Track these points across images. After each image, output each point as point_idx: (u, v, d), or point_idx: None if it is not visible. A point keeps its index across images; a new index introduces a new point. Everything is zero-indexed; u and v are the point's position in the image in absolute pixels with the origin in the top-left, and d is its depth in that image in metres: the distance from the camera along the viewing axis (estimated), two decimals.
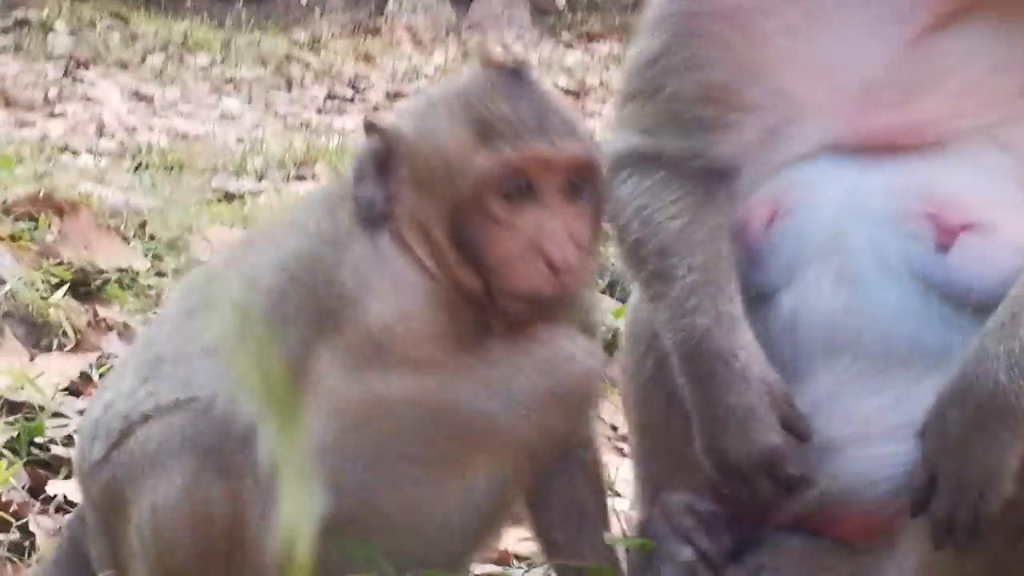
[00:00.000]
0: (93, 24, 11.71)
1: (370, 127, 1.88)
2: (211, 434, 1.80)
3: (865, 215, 1.92)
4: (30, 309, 3.04)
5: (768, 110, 1.98)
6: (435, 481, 1.84)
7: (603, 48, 13.99)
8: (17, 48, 10.25)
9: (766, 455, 1.92)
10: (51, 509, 2.49)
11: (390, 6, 13.76)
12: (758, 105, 1.98)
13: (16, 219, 3.77)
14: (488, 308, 1.85)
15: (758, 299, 1.98)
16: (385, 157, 1.85)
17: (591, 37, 14.43)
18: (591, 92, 10.53)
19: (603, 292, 3.50)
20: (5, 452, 2.59)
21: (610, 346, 3.22)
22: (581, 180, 1.84)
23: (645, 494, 2.17)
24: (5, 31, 10.94)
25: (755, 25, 1.99)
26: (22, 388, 2.81)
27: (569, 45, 14.03)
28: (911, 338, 1.90)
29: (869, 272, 1.91)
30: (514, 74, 1.87)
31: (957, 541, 1.86)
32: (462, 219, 1.80)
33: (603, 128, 8.26)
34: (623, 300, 3.40)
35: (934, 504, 1.87)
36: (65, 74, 9.35)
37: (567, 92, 10.26)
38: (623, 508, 2.42)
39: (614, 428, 2.96)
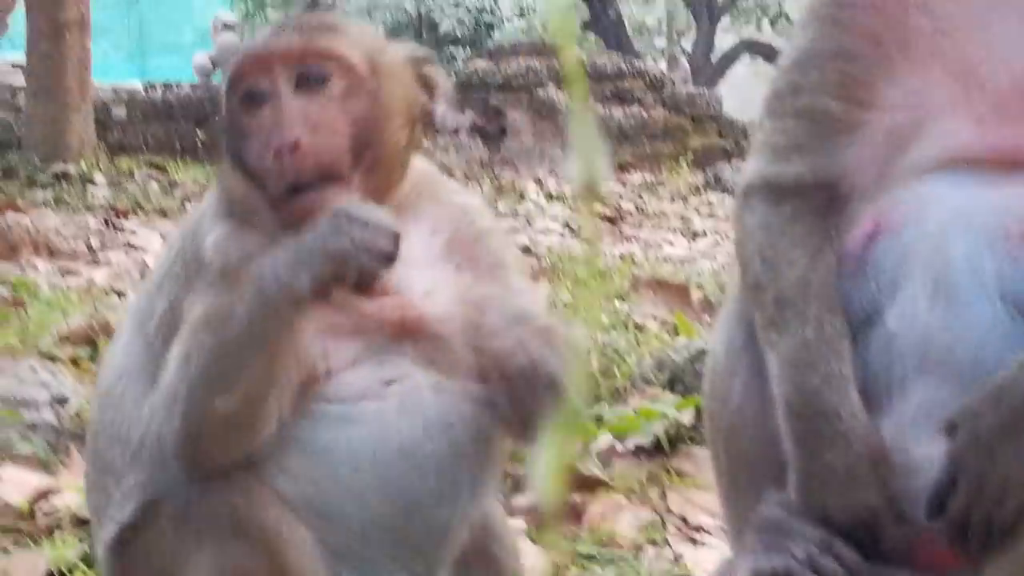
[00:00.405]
0: (131, 174, 11.91)
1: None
2: None
3: (968, 231, 1.88)
4: None
5: (900, 111, 1.95)
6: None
7: (635, 178, 14.12)
8: (58, 201, 10.39)
9: (866, 516, 1.88)
10: None
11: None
12: (892, 105, 1.95)
13: (75, 345, 3.82)
14: (284, 221, 1.82)
15: (858, 317, 1.93)
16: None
17: (623, 167, 14.57)
18: (627, 217, 10.57)
19: (664, 387, 3.45)
20: (79, 564, 2.56)
21: (673, 440, 3.18)
22: (312, 70, 1.83)
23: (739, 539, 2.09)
24: (45, 185, 11.11)
25: (905, 17, 1.97)
26: None
27: None
28: (999, 359, 1.85)
29: (965, 290, 1.87)
30: (307, 3, 1.95)
31: (969, 545, 1.80)
32: (231, 137, 1.85)
33: (642, 249, 8.35)
34: (684, 394, 3.35)
35: (950, 503, 1.81)
36: (106, 224, 9.44)
37: (604, 218, 10.30)
38: None
39: (684, 519, 2.89)
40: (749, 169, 2.05)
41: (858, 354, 1.91)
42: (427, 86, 1.93)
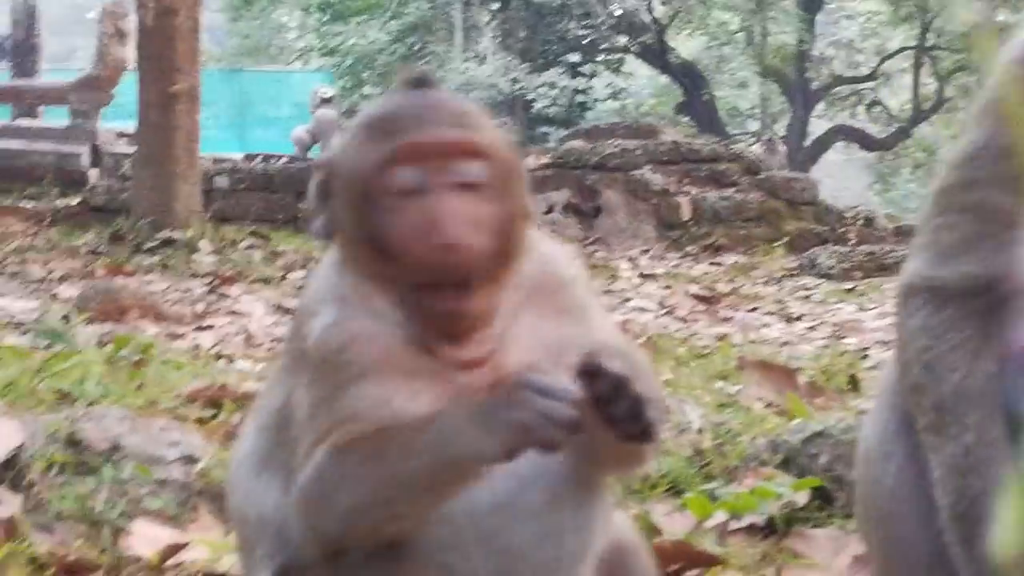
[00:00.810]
0: (235, 243, 12.14)
1: (316, 165, 1.98)
2: None
3: None
4: (222, 486, 3.10)
5: None
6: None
7: (729, 259, 14.12)
8: (164, 266, 10.62)
9: None
10: None
11: None
12: None
13: (198, 405, 3.94)
14: (414, 312, 1.84)
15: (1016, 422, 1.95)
16: (325, 187, 1.91)
17: (716, 249, 14.58)
18: (722, 299, 10.57)
19: (778, 467, 3.47)
20: None
21: (788, 520, 3.21)
22: (471, 167, 1.82)
23: None
24: (152, 251, 11.36)
25: None
26: (220, 559, 2.90)
27: (695, 257, 14.18)
28: None
29: None
30: (415, 82, 1.90)
31: None
32: (372, 218, 1.82)
33: (740, 329, 8.36)
34: (799, 475, 3.37)
35: None
36: (211, 290, 9.63)
37: (698, 298, 10.32)
38: None
39: None
40: (911, 269, 2.05)
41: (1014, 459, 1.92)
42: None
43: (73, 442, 3.29)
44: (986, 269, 1.98)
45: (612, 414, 1.74)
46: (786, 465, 3.47)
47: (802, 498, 3.27)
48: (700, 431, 3.75)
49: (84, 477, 3.21)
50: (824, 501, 3.30)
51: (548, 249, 1.99)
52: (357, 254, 1.87)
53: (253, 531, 1.97)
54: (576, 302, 1.97)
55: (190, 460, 3.32)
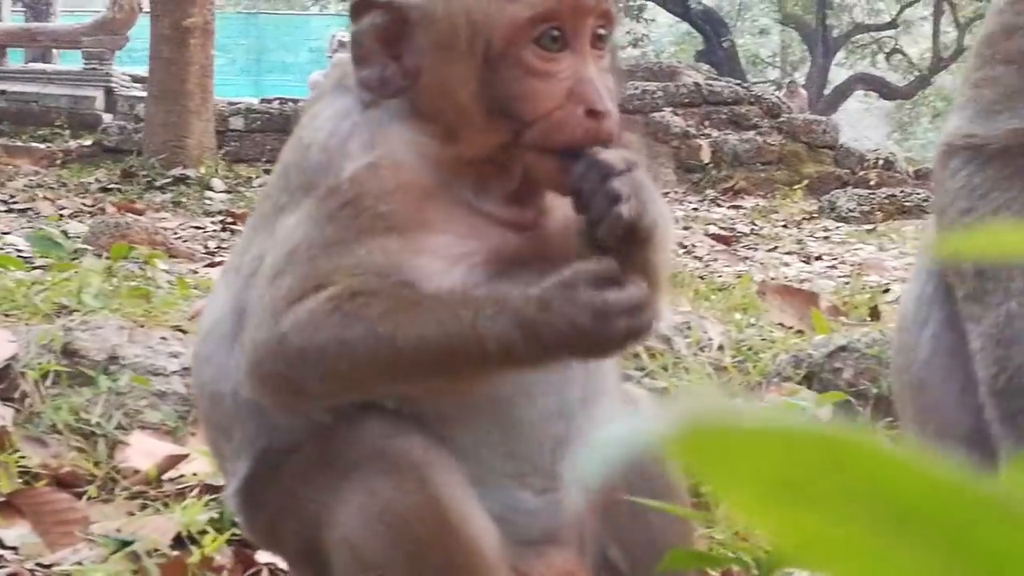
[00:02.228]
0: (249, 181, 12.02)
1: (365, 4, 1.71)
2: None
3: None
4: None
5: None
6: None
7: (748, 202, 13.98)
8: (176, 204, 10.51)
9: None
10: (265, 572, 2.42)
11: None
12: None
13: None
14: (510, 171, 1.69)
15: None
16: (391, 32, 1.69)
17: (736, 192, 14.44)
18: (741, 239, 10.45)
19: (800, 383, 3.35)
20: (208, 529, 2.53)
21: None
22: (605, 30, 1.69)
23: None
24: (164, 188, 11.25)
25: None
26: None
27: (715, 200, 14.04)
28: None
29: None
30: None
31: None
32: (495, 75, 1.65)
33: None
34: (822, 391, 3.26)
35: None
36: (223, 228, 9.53)
37: (717, 238, 10.20)
38: None
39: None
40: (951, 126, 1.92)
41: None
42: None
43: (68, 352, 3.18)
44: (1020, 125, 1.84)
45: (583, 192, 1.61)
46: (809, 381, 3.35)
47: (825, 413, 3.15)
48: (721, 348, 3.63)
49: (80, 388, 3.10)
50: (848, 416, 3.18)
51: None
52: (450, 111, 1.68)
53: (228, 412, 1.77)
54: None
55: (191, 372, 3.21)
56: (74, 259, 5.62)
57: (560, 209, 1.74)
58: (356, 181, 1.65)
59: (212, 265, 7.83)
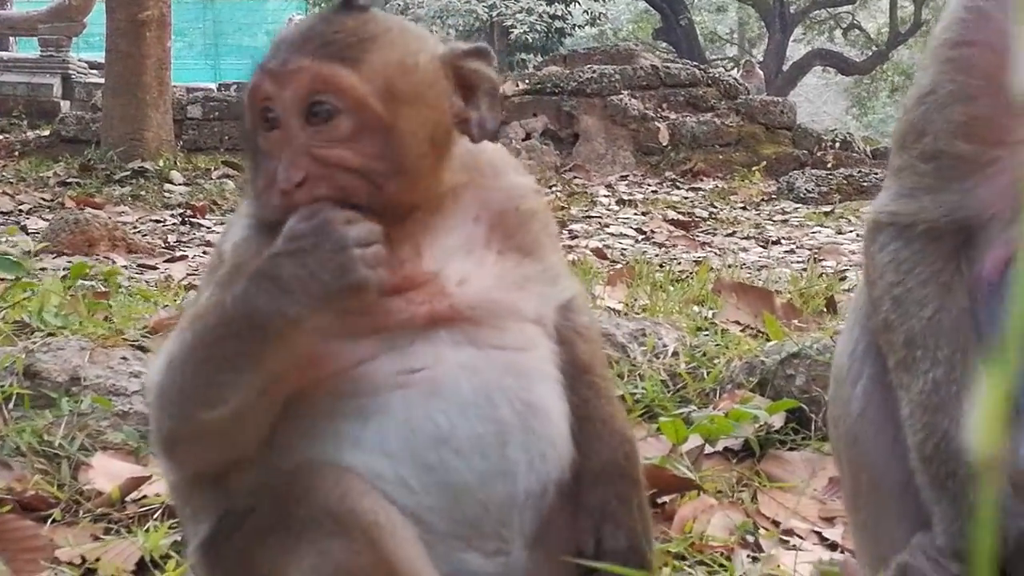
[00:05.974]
0: (208, 173, 12.00)
1: None
2: None
3: None
4: None
5: None
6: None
7: (707, 184, 14.05)
8: (135, 197, 10.49)
9: (1019, 548, 1.82)
10: None
11: None
12: (1020, 140, 1.88)
13: (163, 336, 3.85)
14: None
15: (995, 343, 1.88)
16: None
17: (695, 174, 14.51)
18: (700, 224, 10.51)
19: (753, 390, 3.41)
20: (172, 554, 2.56)
21: (763, 443, 3.14)
22: (322, 105, 1.70)
23: (873, 554, 2.04)
24: (122, 182, 11.22)
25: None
26: None
27: (674, 182, 14.11)
28: None
29: None
30: (343, 2, 1.76)
31: None
32: (251, 152, 1.75)
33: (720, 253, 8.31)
34: (775, 398, 3.31)
35: None
36: (183, 222, 9.52)
37: (675, 223, 10.26)
38: None
39: (775, 522, 2.85)
40: (879, 202, 1.98)
41: None
42: (470, 84, 1.82)
43: (30, 374, 3.20)
44: (948, 212, 1.90)
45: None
46: (762, 387, 3.40)
47: (778, 420, 3.22)
48: (675, 355, 3.68)
49: (42, 410, 3.12)
50: (800, 423, 3.25)
51: (512, 182, 1.91)
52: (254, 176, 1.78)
53: (186, 477, 1.83)
54: (536, 238, 1.88)
55: None
56: (37, 263, 5.61)
57: (478, 274, 1.82)
58: (229, 254, 1.75)
59: (172, 260, 7.85)
